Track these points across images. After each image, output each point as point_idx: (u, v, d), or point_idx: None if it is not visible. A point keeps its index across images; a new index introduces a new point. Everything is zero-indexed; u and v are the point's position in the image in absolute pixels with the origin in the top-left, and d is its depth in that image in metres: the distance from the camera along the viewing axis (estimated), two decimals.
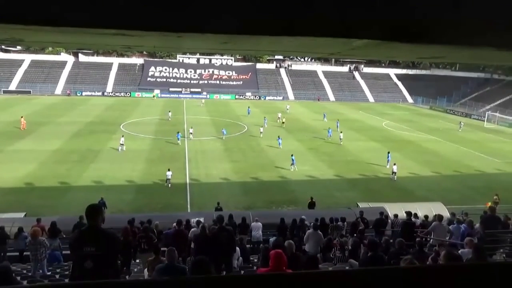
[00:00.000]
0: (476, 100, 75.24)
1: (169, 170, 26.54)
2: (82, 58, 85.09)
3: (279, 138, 38.29)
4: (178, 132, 38.67)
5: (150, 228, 12.98)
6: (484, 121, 60.44)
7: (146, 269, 9.38)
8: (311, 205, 21.86)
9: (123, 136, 35.75)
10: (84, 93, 74.02)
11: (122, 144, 34.21)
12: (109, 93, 76.28)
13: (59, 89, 75.28)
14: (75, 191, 24.69)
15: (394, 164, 30.07)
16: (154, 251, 9.17)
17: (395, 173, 29.46)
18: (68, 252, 9.49)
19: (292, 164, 30.45)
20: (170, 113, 51.97)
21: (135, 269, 11.53)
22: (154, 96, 74.95)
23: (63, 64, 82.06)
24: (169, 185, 26.14)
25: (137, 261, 12.37)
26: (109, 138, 38.65)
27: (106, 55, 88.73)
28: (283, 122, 49.26)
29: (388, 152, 33.33)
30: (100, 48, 46.16)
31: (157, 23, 1.72)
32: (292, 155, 31.08)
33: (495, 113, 62.62)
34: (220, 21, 1.73)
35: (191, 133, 40.04)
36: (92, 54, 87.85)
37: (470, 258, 6.36)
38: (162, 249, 9.60)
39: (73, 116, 51.05)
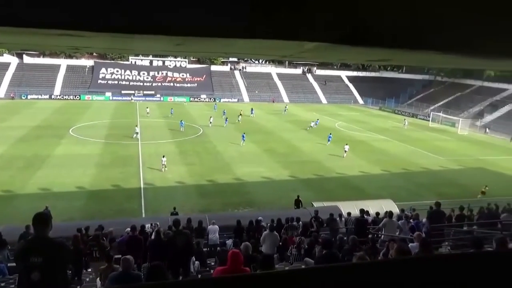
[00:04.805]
0: (422, 100, 79.07)
1: (164, 156, 29.79)
2: (27, 59, 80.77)
3: (226, 120, 49.39)
4: (181, 120, 45.98)
5: (101, 235, 12.56)
6: (429, 120, 63.59)
7: (98, 278, 9.06)
8: (297, 202, 22.24)
9: (136, 125, 41.10)
10: (29, 96, 70.27)
11: (137, 132, 39.95)
12: (57, 96, 72.89)
13: (1, 92, 71.04)
14: (21, 199, 23.39)
15: (346, 144, 37.26)
16: (106, 259, 8.87)
17: (346, 151, 36.35)
18: (14, 264, 9.00)
19: (243, 140, 37.95)
20: (148, 109, 57.37)
21: (87, 279, 11.10)
22: (131, 99, 73.84)
23: (6, 65, 77.45)
24: (165, 169, 29.37)
25: (89, 270, 11.93)
26: (57, 143, 36.99)
27: (53, 56, 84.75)
28: (240, 115, 54.98)
29: (330, 133, 42.25)
30: (45, 49, 43.72)
31: (106, 23, 1.66)
32: (243, 133, 38.89)
33: (439, 113, 66.05)
34: (173, 22, 1.71)
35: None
36: (38, 55, 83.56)
37: (418, 252, 6.66)
38: (116, 256, 9.31)
39: (17, 121, 48.34)
